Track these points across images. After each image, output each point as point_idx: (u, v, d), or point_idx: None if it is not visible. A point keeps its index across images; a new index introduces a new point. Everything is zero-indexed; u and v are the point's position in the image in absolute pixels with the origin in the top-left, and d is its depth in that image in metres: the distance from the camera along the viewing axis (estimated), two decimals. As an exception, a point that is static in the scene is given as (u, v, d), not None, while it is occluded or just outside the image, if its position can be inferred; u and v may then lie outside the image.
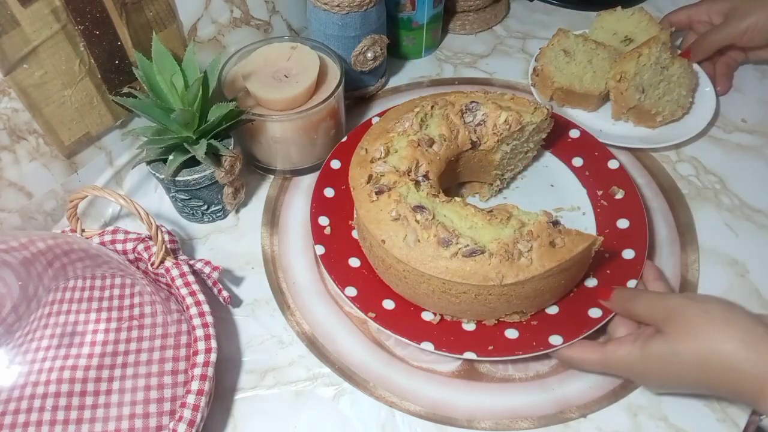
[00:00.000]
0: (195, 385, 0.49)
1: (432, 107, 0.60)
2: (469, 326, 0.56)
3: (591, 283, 0.58)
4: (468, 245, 0.51)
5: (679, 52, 0.78)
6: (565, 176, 0.68)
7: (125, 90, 0.63)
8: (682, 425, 0.52)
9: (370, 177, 0.56)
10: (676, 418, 0.53)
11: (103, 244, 0.58)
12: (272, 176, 0.71)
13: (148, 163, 0.60)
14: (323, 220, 0.63)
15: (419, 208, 0.53)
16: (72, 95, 0.59)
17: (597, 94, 0.74)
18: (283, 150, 0.67)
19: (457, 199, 0.54)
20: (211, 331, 0.52)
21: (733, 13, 0.73)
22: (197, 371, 0.49)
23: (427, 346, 0.53)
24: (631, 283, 0.57)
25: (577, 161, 0.68)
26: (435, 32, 0.84)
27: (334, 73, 0.67)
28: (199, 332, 0.51)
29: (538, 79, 0.76)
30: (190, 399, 0.48)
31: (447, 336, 0.54)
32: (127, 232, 0.58)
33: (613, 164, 0.66)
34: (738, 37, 0.73)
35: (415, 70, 0.84)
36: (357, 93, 0.78)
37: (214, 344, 0.51)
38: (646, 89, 0.71)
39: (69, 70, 0.58)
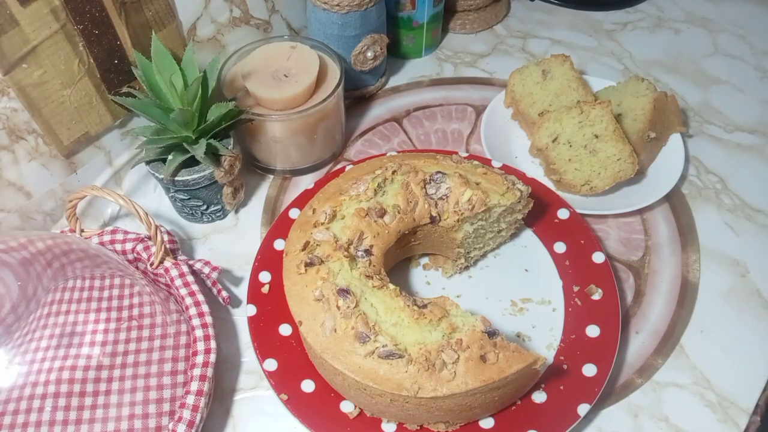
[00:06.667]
0: (194, 386, 0.48)
1: (393, 172, 0.55)
2: (389, 427, 0.50)
3: (539, 397, 0.51)
4: (386, 345, 0.45)
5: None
6: (543, 262, 0.61)
7: (124, 89, 0.63)
8: (683, 426, 0.52)
9: (306, 244, 0.51)
10: (677, 418, 0.52)
11: (102, 244, 0.58)
12: (272, 176, 0.71)
13: (148, 162, 0.60)
14: (264, 276, 0.59)
15: (344, 292, 0.47)
16: (71, 95, 0.59)
17: (532, 123, 0.68)
18: (283, 150, 0.67)
19: (391, 286, 0.49)
20: (211, 331, 0.52)
21: None
22: (197, 372, 0.49)
23: None
24: (582, 409, 0.49)
25: (560, 247, 0.61)
26: (435, 31, 0.84)
27: (334, 73, 0.67)
28: (199, 333, 0.51)
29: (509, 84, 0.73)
30: (190, 399, 0.48)
31: None
32: (126, 232, 0.58)
33: (598, 257, 0.59)
34: None
35: (415, 69, 0.84)
36: (357, 92, 0.78)
37: (213, 345, 0.51)
38: (560, 141, 0.65)
39: (68, 70, 0.58)
